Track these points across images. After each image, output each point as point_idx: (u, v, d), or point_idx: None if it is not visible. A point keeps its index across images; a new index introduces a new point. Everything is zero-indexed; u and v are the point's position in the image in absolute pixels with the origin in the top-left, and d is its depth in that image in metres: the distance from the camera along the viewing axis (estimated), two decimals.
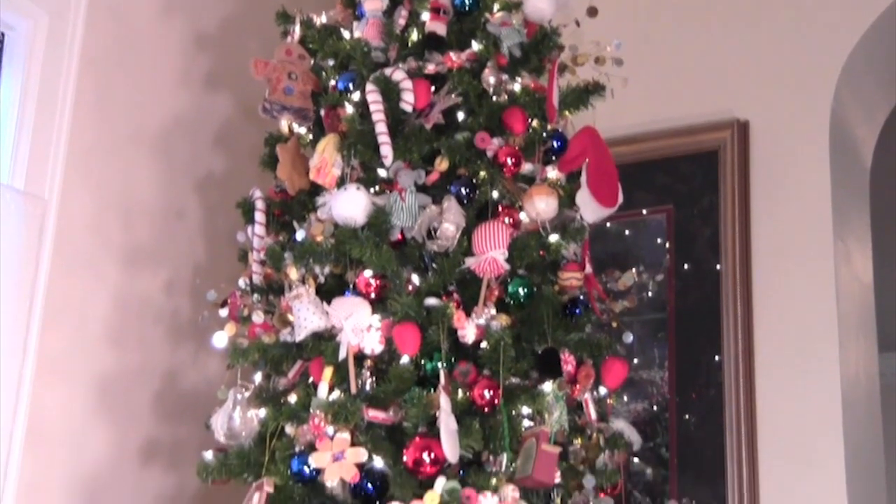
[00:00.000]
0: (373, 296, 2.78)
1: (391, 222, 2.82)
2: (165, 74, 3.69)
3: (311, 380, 2.81)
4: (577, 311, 2.95)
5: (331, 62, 3.08)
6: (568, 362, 2.85)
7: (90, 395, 3.30)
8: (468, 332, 2.72)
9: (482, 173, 2.90)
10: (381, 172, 2.90)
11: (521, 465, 2.63)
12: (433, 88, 2.94)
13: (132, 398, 3.43)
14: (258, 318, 2.95)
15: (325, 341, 2.77)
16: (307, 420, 2.67)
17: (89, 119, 3.38)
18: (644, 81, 3.81)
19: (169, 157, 3.66)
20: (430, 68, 2.96)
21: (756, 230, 3.69)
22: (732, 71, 3.89)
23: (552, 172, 2.98)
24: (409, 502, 2.53)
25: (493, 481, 2.58)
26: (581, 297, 2.98)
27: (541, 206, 2.87)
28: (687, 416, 3.61)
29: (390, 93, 2.88)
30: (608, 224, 3.67)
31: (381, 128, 2.85)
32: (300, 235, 2.93)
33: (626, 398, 3.52)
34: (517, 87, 3.00)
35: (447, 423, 2.59)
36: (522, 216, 2.91)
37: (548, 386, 2.71)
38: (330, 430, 2.61)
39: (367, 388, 2.73)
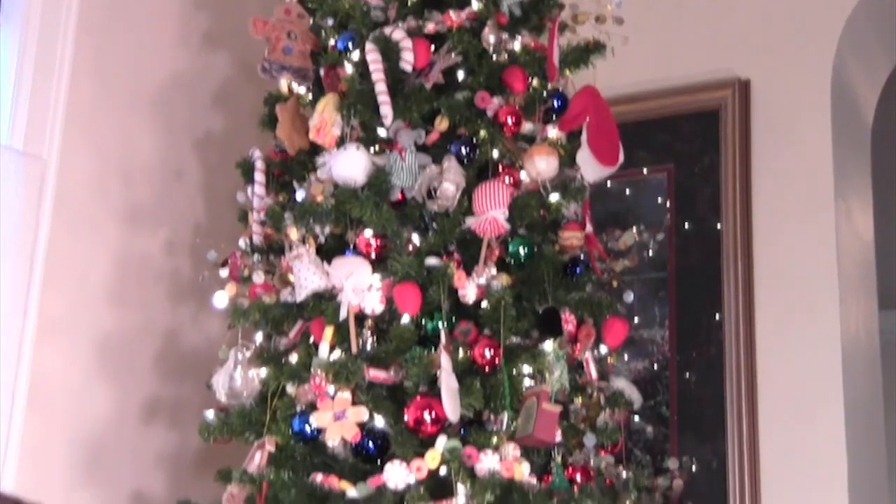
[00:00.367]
0: (373, 256, 2.78)
1: (391, 182, 2.81)
2: (164, 34, 3.67)
3: (311, 340, 2.81)
4: (578, 270, 2.95)
5: (330, 21, 3.06)
6: (568, 321, 2.86)
7: (91, 355, 3.31)
8: (469, 292, 2.72)
9: (482, 133, 2.89)
10: (381, 132, 2.90)
11: (521, 423, 2.64)
12: (433, 48, 2.93)
13: (133, 358, 3.44)
14: (259, 278, 2.95)
15: (325, 301, 2.77)
16: (308, 380, 2.68)
17: (88, 79, 3.37)
18: (645, 40, 3.79)
19: (168, 116, 3.65)
20: (430, 27, 2.94)
21: (757, 189, 3.68)
22: (733, 29, 3.87)
23: (552, 132, 2.97)
24: (410, 461, 2.55)
25: (494, 440, 2.59)
26: (581, 257, 2.98)
27: (541, 165, 2.87)
28: (687, 375, 3.62)
29: (390, 52, 2.87)
30: (609, 183, 3.66)
31: (380, 87, 2.84)
32: (300, 195, 2.92)
33: (626, 357, 3.53)
34: (517, 47, 2.99)
35: (448, 383, 2.59)
36: (523, 175, 2.90)
37: (548, 345, 2.72)
38: (331, 389, 2.62)
39: (368, 347, 2.74)
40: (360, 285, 2.71)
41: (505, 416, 2.64)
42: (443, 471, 2.56)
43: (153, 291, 3.53)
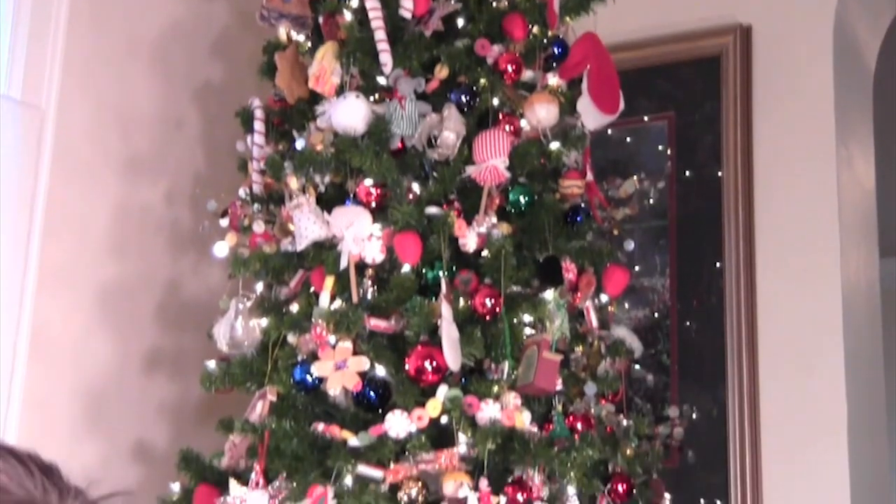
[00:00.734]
0: (373, 205, 2.77)
1: (391, 131, 2.80)
2: None
3: (312, 289, 2.81)
4: (579, 218, 2.94)
5: None
6: (569, 270, 2.85)
7: (92, 305, 3.31)
8: (469, 241, 2.71)
9: (482, 81, 2.87)
10: (381, 80, 2.88)
11: (522, 372, 2.64)
12: None
13: (134, 308, 3.44)
14: (259, 227, 2.95)
15: (326, 251, 2.77)
16: (309, 329, 2.68)
17: (85, 27, 3.34)
18: None
19: (166, 65, 3.63)
20: None
21: (758, 136, 3.67)
22: None
23: (553, 79, 2.95)
24: (411, 410, 2.55)
25: (495, 389, 2.60)
26: (582, 205, 2.98)
27: (541, 113, 2.85)
28: (688, 323, 3.62)
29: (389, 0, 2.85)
30: (609, 131, 3.65)
31: (380, 35, 2.82)
32: (300, 144, 2.91)
33: (627, 305, 3.53)
34: None
35: (449, 332, 2.59)
36: (523, 124, 2.89)
37: (549, 294, 2.72)
38: (332, 339, 2.62)
39: (369, 297, 2.74)
40: (360, 234, 2.70)
41: (506, 365, 2.64)
42: (444, 420, 2.57)
43: (153, 241, 3.53)
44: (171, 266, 3.58)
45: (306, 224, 2.76)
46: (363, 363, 2.59)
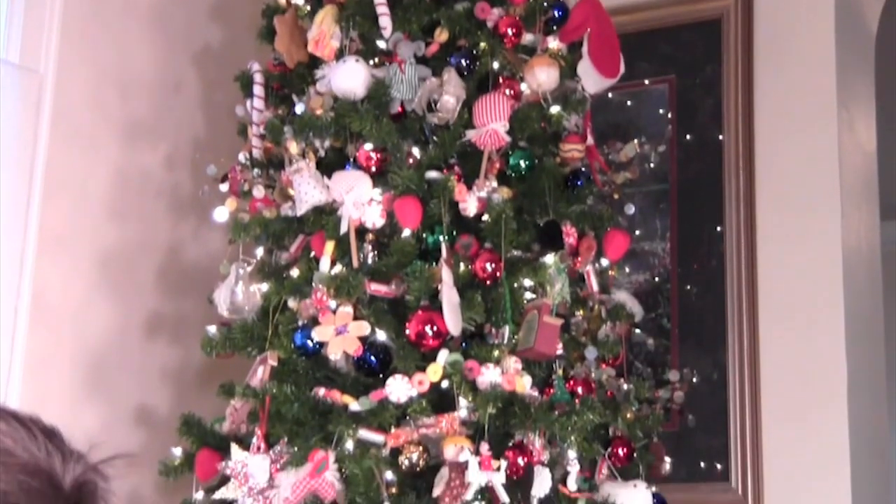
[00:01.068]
0: (373, 169, 2.77)
1: (391, 95, 2.79)
2: None
3: (312, 254, 2.81)
4: (579, 182, 2.94)
5: None
6: (569, 234, 2.85)
7: (93, 270, 3.31)
8: (469, 205, 2.71)
9: (482, 44, 2.86)
10: (381, 44, 2.87)
11: (523, 337, 2.65)
12: None
13: (135, 273, 3.44)
14: (259, 192, 2.95)
15: (326, 215, 2.76)
16: (310, 294, 2.68)
17: None
18: None
19: (165, 28, 3.61)
20: None
21: (759, 99, 3.65)
22: None
23: (553, 43, 2.94)
24: (412, 375, 2.56)
25: (496, 353, 2.60)
26: (582, 169, 2.97)
27: (542, 76, 2.84)
28: (688, 287, 3.62)
29: None
30: (609, 95, 3.63)
31: None
32: (299, 109, 2.90)
33: (627, 269, 3.52)
34: None
35: (449, 296, 2.60)
36: (523, 87, 2.88)
37: (549, 258, 2.72)
38: (332, 303, 2.62)
39: (369, 261, 2.74)
40: (360, 199, 2.70)
41: (506, 330, 2.65)
42: (444, 384, 2.58)
43: (153, 206, 3.53)
44: (172, 231, 3.58)
45: (306, 189, 2.76)
46: (364, 328, 2.59)
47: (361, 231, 2.73)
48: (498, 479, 2.49)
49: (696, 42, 3.77)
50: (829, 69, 3.60)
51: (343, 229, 2.70)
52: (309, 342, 2.66)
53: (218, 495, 2.62)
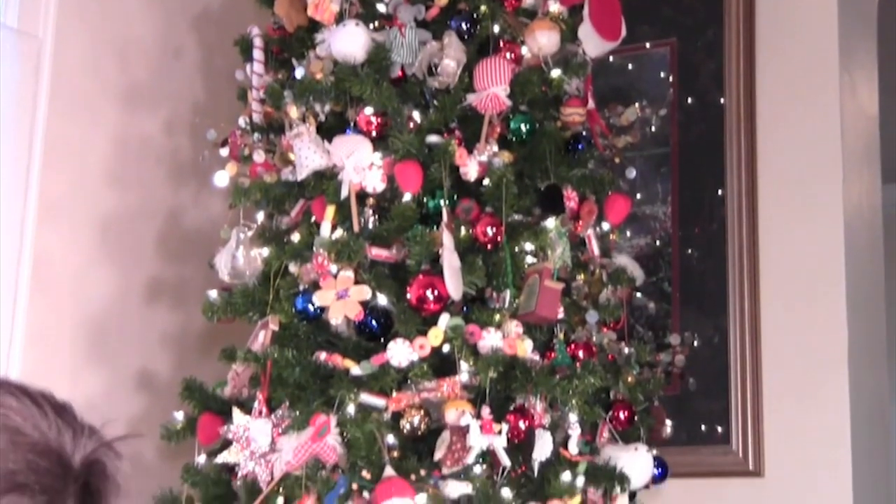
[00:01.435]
0: (374, 134, 2.76)
1: (391, 59, 2.78)
2: None
3: (313, 219, 2.80)
4: (580, 146, 2.93)
5: None
6: (570, 198, 2.85)
7: (93, 236, 3.31)
8: (470, 169, 2.71)
9: (483, 7, 2.85)
10: (381, 7, 2.86)
11: (524, 301, 2.65)
12: None
13: (135, 238, 3.44)
14: (259, 157, 2.94)
15: (326, 180, 2.76)
16: (310, 259, 2.68)
17: None
18: None
19: None
20: None
21: (760, 63, 3.64)
22: None
23: (554, 6, 2.92)
24: (413, 339, 2.56)
25: (497, 317, 2.60)
26: (583, 133, 2.96)
27: (542, 40, 2.83)
28: (689, 251, 3.62)
29: None
30: (611, 58, 3.61)
31: None
32: (299, 73, 2.89)
33: (628, 233, 3.52)
34: None
35: (450, 261, 2.60)
36: (524, 51, 2.87)
37: (550, 222, 2.71)
38: (333, 268, 2.62)
39: (370, 226, 2.73)
40: (361, 163, 2.69)
41: (507, 294, 2.65)
42: (446, 348, 2.58)
43: (153, 171, 3.52)
44: (172, 196, 3.57)
45: (307, 153, 2.75)
46: (365, 292, 2.59)
47: (362, 195, 2.73)
48: (499, 443, 2.50)
49: (698, 5, 3.75)
50: (831, 33, 3.59)
51: (344, 194, 2.69)
52: (310, 307, 2.66)
53: (220, 459, 2.63)
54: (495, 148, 2.75)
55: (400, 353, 2.55)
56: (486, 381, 2.54)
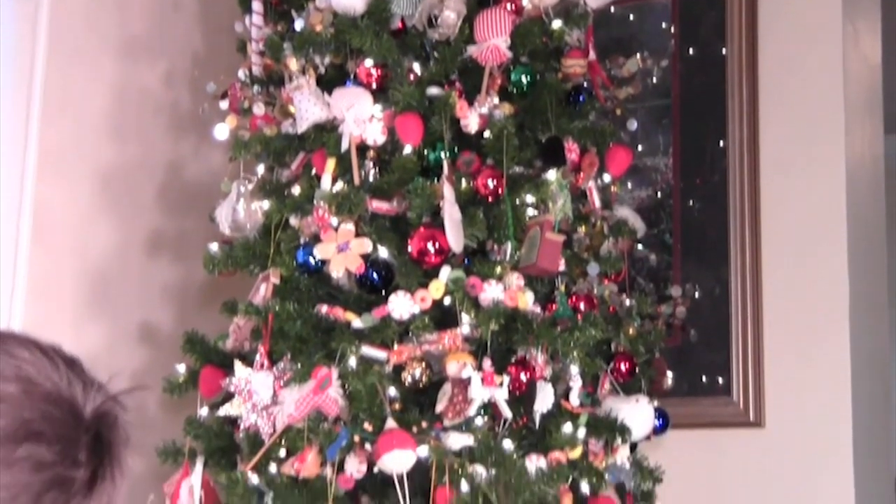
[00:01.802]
0: (374, 86, 2.75)
1: (391, 10, 2.76)
2: None
3: (314, 171, 2.80)
4: (581, 98, 2.92)
5: None
6: (571, 150, 2.84)
7: (93, 189, 3.30)
8: (471, 122, 2.70)
9: None
10: None
11: (525, 253, 2.65)
12: None
13: (135, 191, 3.43)
14: (259, 109, 2.93)
15: (327, 132, 2.75)
16: (311, 212, 2.67)
17: None
18: None
19: None
20: None
21: (763, 13, 3.61)
22: None
23: None
24: (414, 291, 2.56)
25: (498, 270, 2.60)
26: (585, 85, 2.95)
27: None
28: (691, 202, 3.61)
29: None
30: (612, 9, 3.59)
31: None
32: (299, 25, 2.87)
33: (629, 185, 3.51)
34: None
35: (451, 213, 2.59)
36: (524, 2, 2.85)
37: (551, 174, 2.71)
38: (334, 221, 2.61)
39: (371, 178, 2.73)
40: (361, 116, 2.68)
41: (508, 246, 2.65)
42: (447, 301, 2.58)
43: (153, 124, 3.51)
44: (172, 149, 3.56)
45: (307, 106, 2.74)
46: (365, 245, 2.59)
47: (362, 148, 2.72)
48: (500, 395, 2.51)
49: None
50: None
51: (344, 146, 2.68)
52: (311, 260, 2.66)
53: (222, 412, 2.64)
54: (496, 100, 2.74)
55: (401, 305, 2.55)
56: (488, 334, 2.54)
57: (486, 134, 2.70)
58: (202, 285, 3.48)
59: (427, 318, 2.56)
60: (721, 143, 3.58)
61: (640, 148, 3.63)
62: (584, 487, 2.66)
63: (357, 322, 2.59)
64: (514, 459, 2.51)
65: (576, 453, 2.62)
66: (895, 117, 4.59)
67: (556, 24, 2.85)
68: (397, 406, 2.56)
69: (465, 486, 2.47)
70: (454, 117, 2.69)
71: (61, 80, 3.20)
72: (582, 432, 2.65)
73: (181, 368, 2.91)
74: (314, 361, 2.57)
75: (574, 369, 2.67)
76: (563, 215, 2.70)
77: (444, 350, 2.54)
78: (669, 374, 3.15)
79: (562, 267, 2.72)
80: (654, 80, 3.67)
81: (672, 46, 3.70)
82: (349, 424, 2.54)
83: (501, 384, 2.51)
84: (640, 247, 3.34)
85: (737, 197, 3.53)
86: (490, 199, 2.67)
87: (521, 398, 2.60)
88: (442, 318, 2.59)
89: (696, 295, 3.52)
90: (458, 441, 2.51)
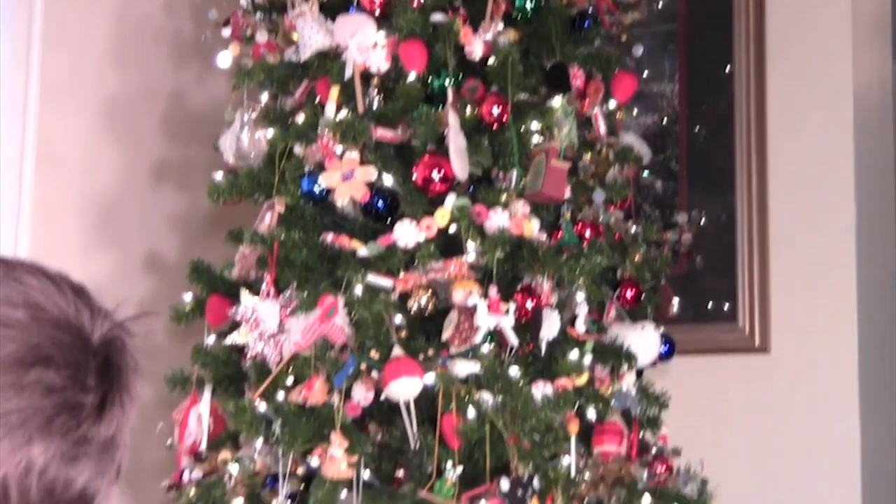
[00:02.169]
0: (377, 12, 2.72)
1: None
2: None
3: (317, 99, 2.78)
4: (586, 24, 2.90)
5: None
6: (577, 77, 2.82)
7: (97, 118, 3.29)
8: (475, 48, 2.68)
9: None
10: None
11: (530, 180, 2.64)
12: None
13: (138, 120, 3.42)
14: (262, 37, 2.90)
15: (330, 60, 2.73)
16: (315, 140, 2.66)
17: None
18: None
19: None
20: None
21: None
22: None
23: None
24: (419, 219, 2.56)
25: (503, 197, 2.60)
26: (590, 10, 2.92)
27: None
28: (697, 129, 3.59)
29: None
30: None
31: None
32: None
33: (635, 112, 3.48)
34: None
35: (456, 141, 2.58)
36: None
37: (557, 101, 2.69)
38: (338, 149, 2.60)
39: (375, 106, 2.71)
40: (364, 43, 2.66)
41: (514, 174, 2.64)
42: (452, 229, 2.58)
43: (155, 52, 3.49)
44: (174, 77, 3.54)
45: (310, 33, 2.72)
46: (370, 173, 2.58)
47: (366, 75, 2.70)
48: (506, 323, 2.51)
49: None
50: None
51: (348, 74, 2.67)
52: (315, 188, 2.65)
53: (229, 340, 2.65)
54: (500, 26, 2.72)
55: (406, 233, 2.55)
56: (493, 261, 2.54)
57: (491, 60, 2.68)
58: (207, 214, 3.48)
59: (433, 245, 2.56)
60: (727, 69, 3.56)
61: (645, 74, 3.61)
62: (591, 414, 2.67)
63: (363, 250, 2.59)
64: (521, 386, 2.52)
65: (582, 380, 2.63)
66: None
67: None
68: (403, 334, 2.57)
69: (471, 413, 2.48)
70: (458, 44, 2.67)
71: (62, 9, 3.17)
72: (588, 359, 2.66)
73: (187, 297, 2.91)
74: (320, 290, 2.58)
75: (580, 296, 2.68)
76: (569, 142, 2.69)
77: (450, 278, 2.54)
78: (675, 300, 3.15)
79: (567, 194, 2.71)
80: (660, 4, 3.64)
81: None
82: (356, 352, 2.55)
83: (507, 311, 2.51)
84: (645, 173, 3.32)
85: (743, 123, 3.51)
86: (495, 126, 2.65)
87: (527, 325, 2.60)
88: (447, 245, 2.59)
89: (702, 221, 3.51)
90: (464, 368, 2.52)
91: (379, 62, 2.66)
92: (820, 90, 3.47)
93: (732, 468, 3.33)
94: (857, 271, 3.39)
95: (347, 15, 2.72)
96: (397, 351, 2.49)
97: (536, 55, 2.83)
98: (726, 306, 3.48)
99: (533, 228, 2.60)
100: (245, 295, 2.62)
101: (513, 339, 2.54)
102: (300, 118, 2.78)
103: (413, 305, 2.55)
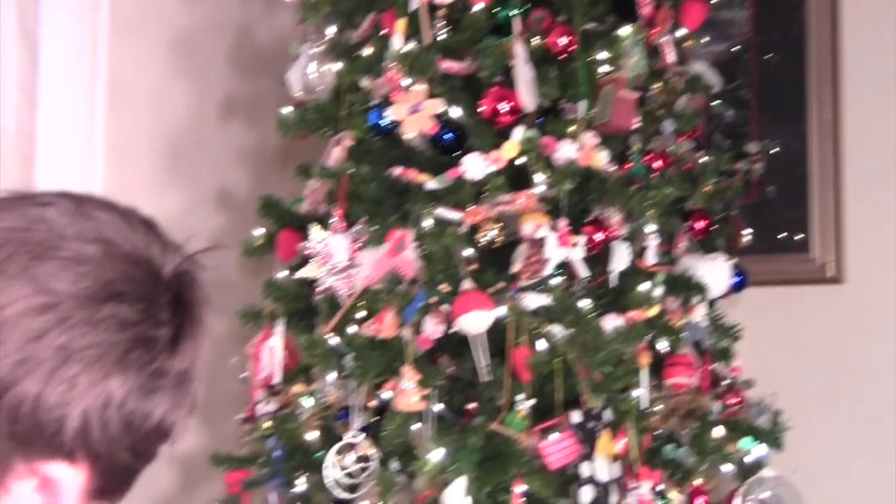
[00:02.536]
0: None
1: None
2: None
3: (384, 32, 2.77)
4: None
5: None
6: (645, 4, 2.78)
7: (165, 53, 3.31)
8: None
9: None
10: None
11: (599, 111, 2.62)
12: None
13: (207, 55, 3.43)
14: None
15: None
16: (382, 73, 2.65)
17: None
18: None
19: None
20: None
21: None
22: None
23: None
24: (487, 152, 2.55)
25: (571, 128, 2.58)
26: None
27: None
28: (768, 56, 3.53)
29: None
30: None
31: None
32: None
33: (705, 39, 3.43)
34: None
35: (523, 72, 2.56)
36: None
37: (624, 30, 2.65)
38: (406, 81, 2.59)
39: (441, 38, 2.69)
40: None
41: (582, 105, 2.61)
42: (520, 161, 2.56)
43: None
44: (241, 11, 3.54)
45: None
46: (437, 106, 2.57)
47: (432, 7, 2.68)
48: (576, 255, 2.51)
49: None
50: None
51: (413, 5, 2.65)
52: (383, 121, 2.65)
53: (300, 274, 2.67)
54: None
55: (475, 166, 2.54)
56: (562, 193, 2.53)
57: None
58: (276, 149, 3.49)
59: (501, 178, 2.55)
60: None
61: (715, 0, 3.54)
62: (662, 346, 2.67)
63: (431, 183, 2.59)
64: (591, 319, 2.52)
65: (653, 312, 2.62)
66: None
67: None
68: (473, 267, 2.57)
69: (542, 346, 2.48)
70: None
71: None
72: (659, 291, 2.65)
73: (258, 232, 2.94)
74: (389, 223, 2.58)
75: (650, 228, 2.66)
76: (637, 72, 2.65)
77: (519, 210, 2.53)
78: (747, 231, 3.12)
79: (636, 124, 2.69)
80: None
81: None
82: (426, 286, 2.56)
83: (577, 244, 2.50)
84: (715, 102, 3.28)
85: (816, 49, 3.44)
86: (562, 56, 2.63)
87: (597, 257, 2.59)
88: (516, 178, 2.58)
89: (774, 150, 3.46)
90: (534, 301, 2.52)
91: None
92: None
93: (806, 400, 3.31)
94: None
95: None
96: (467, 284, 2.50)
97: None
98: (799, 236, 3.44)
99: (602, 159, 2.58)
100: (315, 229, 2.63)
101: (583, 272, 2.53)
102: (367, 51, 2.77)
103: (482, 238, 2.55)
